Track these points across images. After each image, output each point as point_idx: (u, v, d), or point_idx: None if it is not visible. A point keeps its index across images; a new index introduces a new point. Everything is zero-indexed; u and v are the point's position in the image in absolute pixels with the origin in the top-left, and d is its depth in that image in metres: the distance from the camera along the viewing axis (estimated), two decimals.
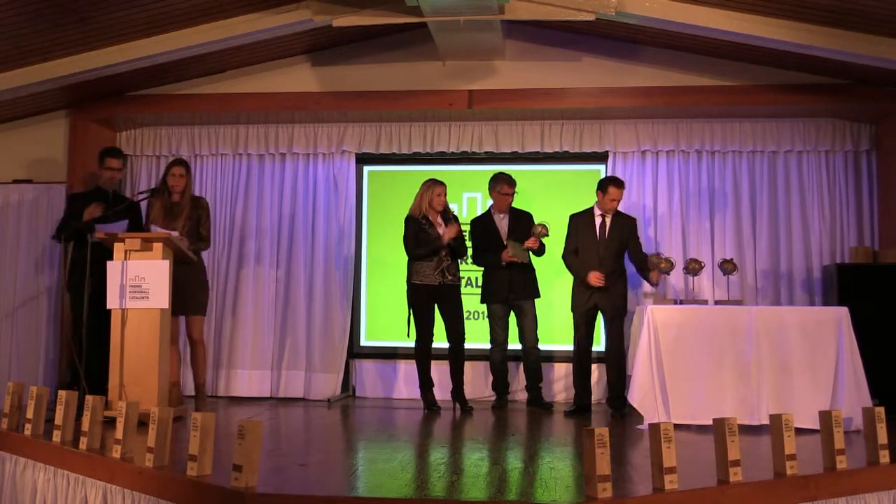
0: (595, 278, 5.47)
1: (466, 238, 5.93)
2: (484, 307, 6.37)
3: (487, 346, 5.92)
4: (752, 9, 5.10)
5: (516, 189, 5.87)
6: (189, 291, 5.19)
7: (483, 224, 5.97)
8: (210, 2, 5.27)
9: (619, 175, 6.42)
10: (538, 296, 5.84)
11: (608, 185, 5.60)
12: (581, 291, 5.61)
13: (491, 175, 5.96)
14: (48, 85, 5.93)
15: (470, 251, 5.95)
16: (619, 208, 5.68)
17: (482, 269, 5.97)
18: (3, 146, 6.71)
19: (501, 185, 5.85)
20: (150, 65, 5.83)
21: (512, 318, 5.85)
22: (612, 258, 5.57)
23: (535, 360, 5.81)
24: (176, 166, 5.29)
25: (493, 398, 5.96)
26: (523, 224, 5.83)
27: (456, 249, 5.67)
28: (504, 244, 5.77)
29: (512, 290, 5.76)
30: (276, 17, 5.40)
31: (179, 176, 5.25)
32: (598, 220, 5.64)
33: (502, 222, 5.89)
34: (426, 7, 5.09)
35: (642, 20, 5.30)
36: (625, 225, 5.65)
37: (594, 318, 5.61)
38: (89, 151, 6.53)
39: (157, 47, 5.61)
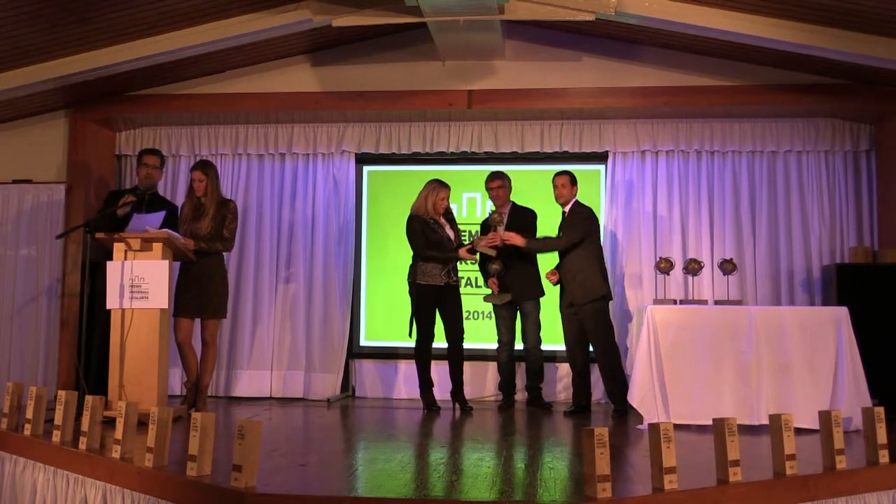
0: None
1: (466, 238, 5.93)
2: (484, 306, 6.37)
3: (487, 346, 5.90)
4: (752, 9, 5.09)
5: (509, 184, 5.83)
6: (207, 294, 5.24)
7: (486, 224, 5.93)
8: (210, 2, 5.27)
9: (618, 175, 6.44)
10: (542, 294, 5.81)
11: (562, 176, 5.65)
12: (561, 291, 5.59)
13: None
14: (48, 85, 5.93)
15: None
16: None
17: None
18: (3, 146, 6.71)
19: (487, 182, 5.86)
20: (150, 65, 5.82)
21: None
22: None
23: (535, 361, 5.79)
24: (194, 171, 5.36)
25: (493, 398, 5.95)
26: (520, 222, 5.77)
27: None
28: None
29: (512, 290, 5.71)
30: (275, 17, 5.40)
31: (199, 181, 5.32)
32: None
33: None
34: (426, 7, 5.09)
35: (642, 20, 5.29)
36: (574, 215, 5.58)
37: (574, 315, 5.52)
38: (89, 151, 6.56)
39: (157, 47, 5.61)
